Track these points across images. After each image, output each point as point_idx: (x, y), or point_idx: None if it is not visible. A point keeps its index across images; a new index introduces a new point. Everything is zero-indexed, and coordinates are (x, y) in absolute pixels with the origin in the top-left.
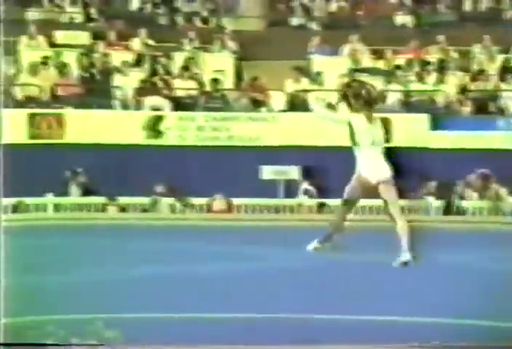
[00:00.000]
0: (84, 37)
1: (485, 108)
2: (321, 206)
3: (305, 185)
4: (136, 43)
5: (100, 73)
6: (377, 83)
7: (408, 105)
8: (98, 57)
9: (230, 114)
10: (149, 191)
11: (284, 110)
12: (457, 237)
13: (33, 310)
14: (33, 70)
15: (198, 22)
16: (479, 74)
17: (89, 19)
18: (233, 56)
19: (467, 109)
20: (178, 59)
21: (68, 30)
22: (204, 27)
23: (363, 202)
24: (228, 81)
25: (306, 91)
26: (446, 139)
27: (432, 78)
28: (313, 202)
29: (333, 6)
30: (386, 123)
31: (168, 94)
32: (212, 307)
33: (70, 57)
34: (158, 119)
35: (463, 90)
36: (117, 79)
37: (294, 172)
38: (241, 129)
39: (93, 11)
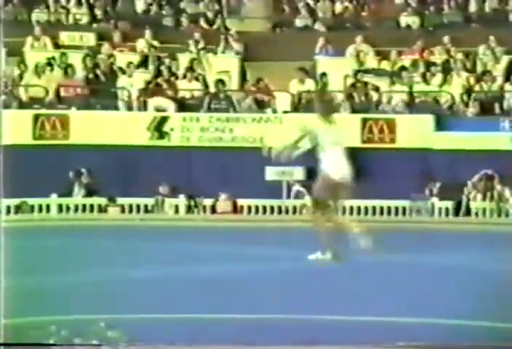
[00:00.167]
0: (89, 38)
1: (489, 109)
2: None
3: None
4: (141, 45)
5: (104, 74)
6: (382, 84)
7: (412, 105)
8: (103, 58)
9: (235, 115)
10: (153, 192)
11: (288, 111)
12: (460, 238)
13: (36, 310)
14: (38, 71)
15: (203, 24)
16: (484, 75)
17: (94, 20)
18: (237, 57)
19: (471, 110)
20: (183, 60)
21: (73, 31)
22: (209, 29)
23: (361, 203)
24: (232, 82)
25: (311, 92)
26: (451, 140)
27: (437, 79)
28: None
29: (338, 8)
30: (390, 124)
31: (172, 95)
32: (215, 307)
33: (75, 58)
34: (163, 120)
35: (468, 91)
36: (122, 80)
37: (298, 173)
38: (245, 130)
39: (98, 12)
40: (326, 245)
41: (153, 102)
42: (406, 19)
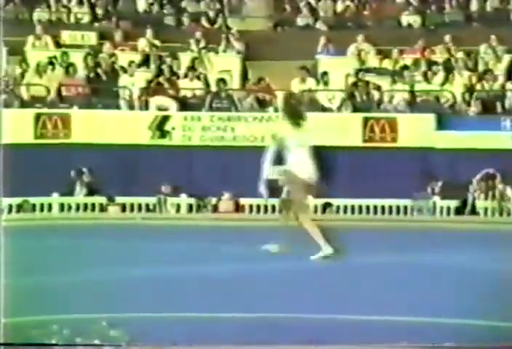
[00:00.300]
0: (90, 37)
1: (491, 108)
2: (327, 206)
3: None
4: (142, 44)
5: (106, 73)
6: (383, 83)
7: (414, 105)
8: (104, 58)
9: (236, 114)
10: (154, 191)
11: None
12: (463, 237)
13: (37, 309)
14: (40, 70)
15: (204, 23)
16: (485, 74)
17: (95, 19)
18: (239, 56)
19: (473, 109)
20: (184, 59)
21: (74, 30)
22: (210, 28)
23: (362, 202)
24: (233, 81)
25: (312, 91)
26: (452, 139)
27: (438, 78)
28: (319, 202)
29: (339, 7)
30: (392, 123)
31: (174, 95)
32: (216, 306)
33: (76, 57)
34: (164, 119)
35: (469, 90)
36: (123, 79)
37: None
38: (246, 129)
39: (100, 11)
40: (323, 241)
41: (155, 101)
42: (408, 18)
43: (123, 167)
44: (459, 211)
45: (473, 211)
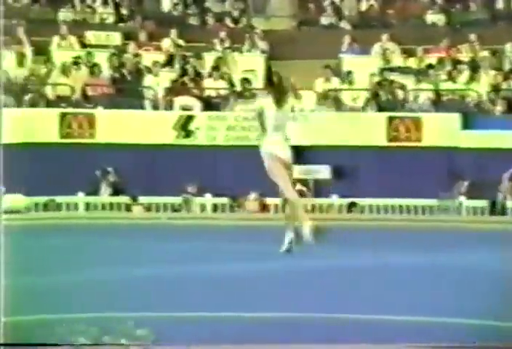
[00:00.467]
0: (115, 37)
1: None
2: (352, 206)
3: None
4: (167, 44)
5: (130, 73)
6: (408, 82)
7: (439, 104)
8: (129, 58)
9: None
10: (179, 191)
11: (315, 110)
12: (490, 237)
13: (62, 308)
14: (65, 70)
15: (228, 22)
16: (511, 73)
17: (120, 19)
18: (263, 55)
19: (498, 108)
20: (208, 59)
21: (99, 30)
22: (235, 27)
23: (387, 202)
24: (258, 81)
25: (336, 90)
26: (478, 139)
27: (463, 77)
28: (344, 202)
29: (363, 5)
30: (417, 123)
31: (198, 94)
32: (239, 306)
33: (101, 58)
34: (189, 119)
35: (495, 89)
36: (148, 79)
37: (325, 171)
38: None
39: (124, 11)
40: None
41: (179, 101)
42: (433, 17)
43: (147, 167)
44: (485, 211)
45: (503, 211)
